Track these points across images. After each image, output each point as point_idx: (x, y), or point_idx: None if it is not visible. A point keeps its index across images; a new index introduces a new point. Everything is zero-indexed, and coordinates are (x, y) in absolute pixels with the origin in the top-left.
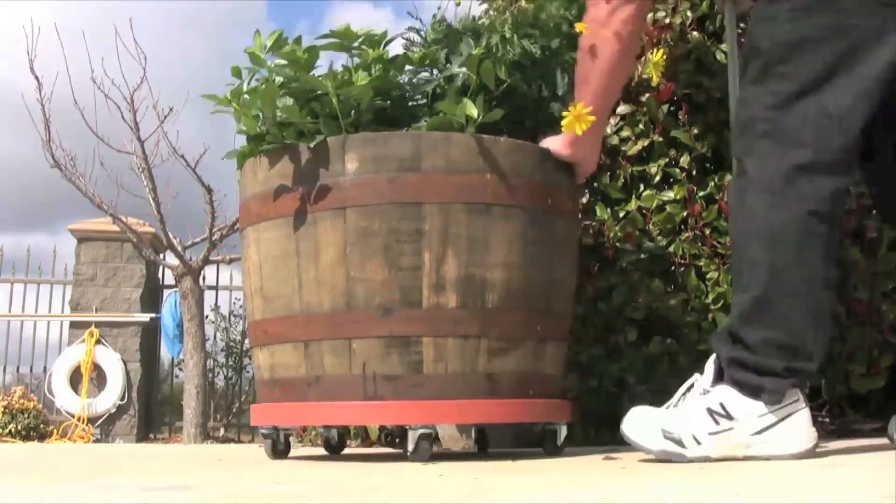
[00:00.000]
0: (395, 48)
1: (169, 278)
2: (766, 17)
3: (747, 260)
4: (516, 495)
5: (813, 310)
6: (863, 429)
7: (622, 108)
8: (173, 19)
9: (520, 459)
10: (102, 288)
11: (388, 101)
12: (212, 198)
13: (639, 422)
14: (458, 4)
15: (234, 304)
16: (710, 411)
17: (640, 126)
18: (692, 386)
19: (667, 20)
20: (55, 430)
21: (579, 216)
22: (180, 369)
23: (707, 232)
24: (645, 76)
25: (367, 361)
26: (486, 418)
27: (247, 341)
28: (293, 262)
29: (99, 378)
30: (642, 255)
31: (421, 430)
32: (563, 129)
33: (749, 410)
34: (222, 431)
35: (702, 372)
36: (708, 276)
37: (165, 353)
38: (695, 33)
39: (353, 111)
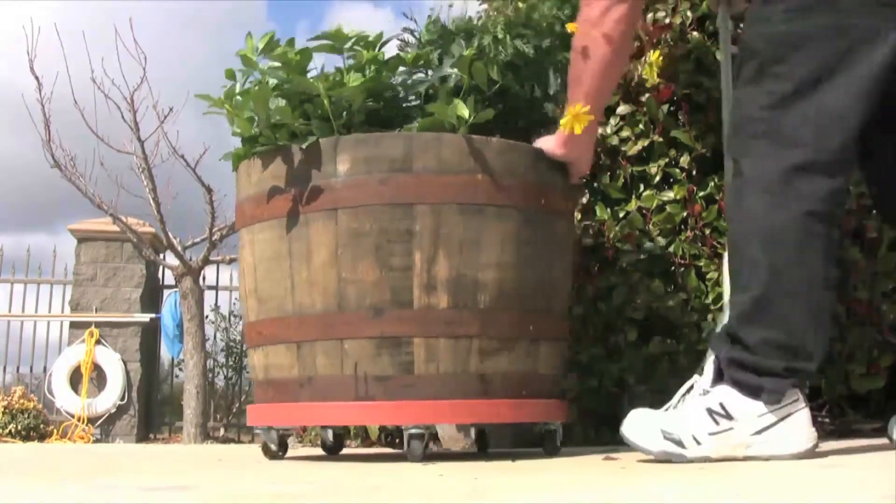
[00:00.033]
0: (393, 49)
1: (169, 278)
2: (760, 17)
3: (747, 260)
4: (516, 495)
5: (813, 310)
6: (863, 429)
7: (622, 108)
8: (173, 19)
9: (520, 459)
10: (102, 288)
11: (381, 103)
12: (212, 198)
13: (639, 423)
14: (450, 6)
15: (234, 304)
16: (710, 411)
17: (640, 126)
18: (691, 387)
19: (667, 20)
20: (55, 430)
21: (575, 216)
22: (180, 369)
23: (707, 232)
24: (644, 76)
25: (358, 362)
26: (478, 419)
27: None
28: (286, 263)
29: (99, 378)
30: (642, 255)
31: (412, 430)
32: (561, 127)
33: (749, 410)
34: (222, 431)
35: (701, 372)
36: (708, 276)
37: (165, 353)
38: (695, 33)
39: (345, 112)
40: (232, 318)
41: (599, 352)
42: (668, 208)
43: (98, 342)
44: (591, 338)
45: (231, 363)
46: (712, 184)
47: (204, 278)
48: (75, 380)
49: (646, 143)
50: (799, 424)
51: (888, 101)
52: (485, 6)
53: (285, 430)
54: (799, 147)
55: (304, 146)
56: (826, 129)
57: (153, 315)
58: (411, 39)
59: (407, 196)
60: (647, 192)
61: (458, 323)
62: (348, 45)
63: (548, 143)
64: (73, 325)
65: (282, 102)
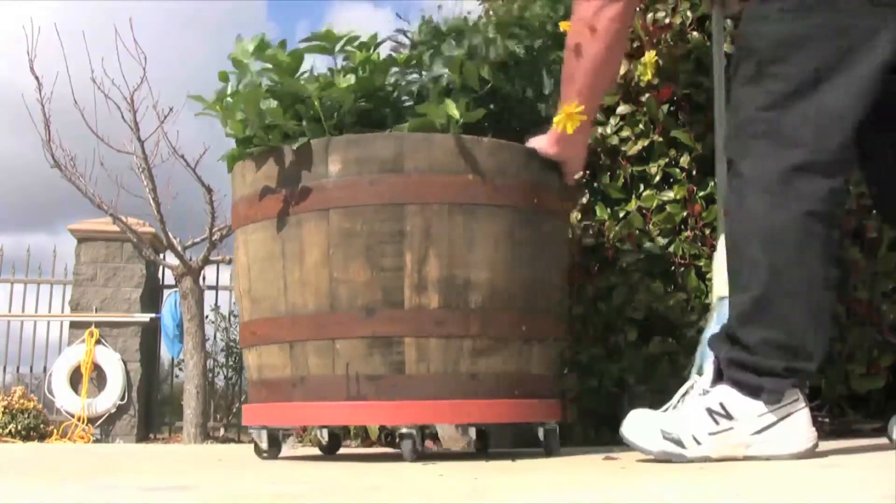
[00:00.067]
0: (390, 50)
1: (169, 278)
2: (757, 16)
3: (747, 260)
4: (516, 495)
5: (813, 310)
6: (863, 429)
7: (622, 108)
8: (173, 19)
9: (520, 459)
10: (102, 288)
11: (373, 104)
12: (212, 198)
13: (638, 423)
14: (439, 7)
15: (234, 304)
16: (710, 411)
17: (640, 126)
18: (691, 387)
19: (667, 20)
20: (55, 430)
21: (571, 215)
22: (180, 369)
23: (707, 232)
24: (639, 76)
25: (350, 362)
26: (469, 418)
27: None
28: (279, 263)
29: (99, 378)
30: (642, 256)
31: (404, 430)
32: (554, 126)
33: (749, 410)
34: (222, 431)
35: (700, 372)
36: (708, 276)
37: (165, 353)
38: (695, 33)
39: (336, 114)
40: (232, 318)
41: (599, 352)
42: (668, 208)
43: (98, 342)
44: (591, 338)
45: (231, 363)
46: (712, 184)
47: (204, 278)
48: (75, 380)
49: (646, 143)
50: (799, 424)
51: (886, 101)
52: (485, 5)
53: (276, 430)
54: (799, 147)
55: (295, 147)
56: (826, 129)
57: (153, 315)
58: (405, 40)
59: (397, 196)
60: (647, 192)
61: (449, 323)
62: (339, 45)
63: (541, 143)
64: (73, 325)
65: (273, 104)
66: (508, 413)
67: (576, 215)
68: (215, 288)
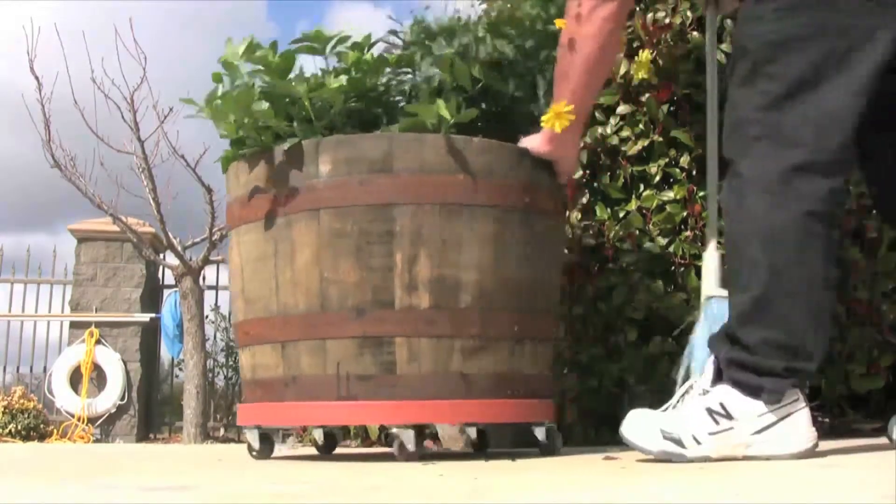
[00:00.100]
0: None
1: (169, 278)
2: (752, 16)
3: (747, 260)
4: (516, 495)
5: (813, 310)
6: (863, 429)
7: (622, 108)
8: (173, 19)
9: (519, 459)
10: (102, 288)
11: (365, 104)
12: (212, 198)
13: (638, 423)
14: (427, 7)
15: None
16: (710, 411)
17: (640, 126)
18: (691, 387)
19: (667, 20)
20: (55, 430)
21: (564, 214)
22: (180, 369)
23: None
24: (643, 76)
25: (340, 362)
26: (460, 418)
27: None
28: (271, 263)
29: (99, 378)
30: (642, 255)
31: (394, 430)
32: (542, 125)
33: (749, 410)
34: (222, 431)
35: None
36: None
37: (165, 353)
38: (695, 33)
39: (327, 114)
40: (232, 318)
41: (599, 352)
42: (668, 208)
43: (98, 342)
44: (591, 338)
45: (231, 363)
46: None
47: (204, 278)
48: (75, 380)
49: (646, 143)
50: (799, 424)
51: (884, 101)
52: (484, 6)
53: (268, 430)
54: (798, 147)
55: (286, 148)
56: (825, 129)
57: (153, 315)
58: (397, 41)
59: (387, 197)
60: (647, 192)
61: (439, 323)
62: (330, 46)
63: (533, 142)
64: (73, 325)
65: (264, 105)
66: (501, 413)
67: (576, 215)
68: (215, 288)
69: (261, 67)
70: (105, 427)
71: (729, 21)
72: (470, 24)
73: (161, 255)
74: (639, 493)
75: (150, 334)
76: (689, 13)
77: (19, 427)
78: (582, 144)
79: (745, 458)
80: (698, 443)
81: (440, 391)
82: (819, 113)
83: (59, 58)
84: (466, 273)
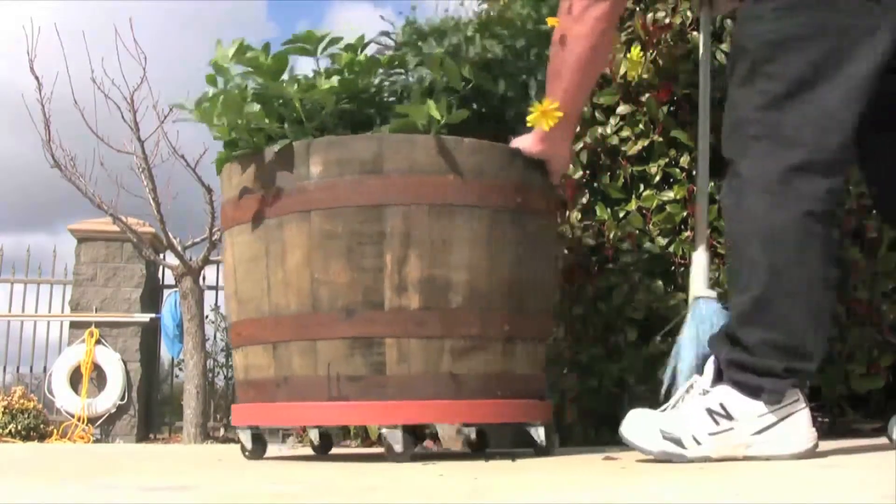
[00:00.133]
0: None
1: (169, 278)
2: (751, 16)
3: (746, 260)
4: (516, 495)
5: (813, 310)
6: (863, 429)
7: (622, 108)
8: (173, 19)
9: (519, 459)
10: (102, 288)
11: (357, 105)
12: (212, 198)
13: (638, 424)
14: (414, 8)
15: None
16: (710, 411)
17: (640, 126)
18: (691, 387)
19: (667, 20)
20: (55, 430)
21: (558, 214)
22: (180, 369)
23: (707, 232)
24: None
25: (331, 362)
26: (450, 419)
27: None
28: (262, 264)
29: (99, 378)
30: (642, 256)
31: (384, 430)
32: (528, 124)
33: (749, 410)
34: (222, 431)
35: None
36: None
37: (165, 353)
38: (695, 33)
39: (318, 115)
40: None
41: (599, 352)
42: (668, 208)
43: (98, 342)
44: (591, 338)
45: (231, 363)
46: (712, 184)
47: (204, 278)
48: (75, 380)
49: (646, 143)
50: (799, 424)
51: (884, 101)
52: (485, 5)
53: (260, 430)
54: (798, 147)
55: (276, 149)
56: (825, 128)
57: (153, 315)
58: (389, 42)
59: (377, 197)
60: (647, 192)
61: (429, 323)
62: (322, 47)
63: (525, 142)
64: (73, 325)
65: (256, 107)
66: (492, 413)
67: (576, 215)
68: (215, 288)
69: (251, 69)
70: (105, 427)
71: (729, 21)
72: (460, 24)
73: (161, 255)
74: (639, 493)
75: (150, 334)
76: (689, 13)
77: (19, 427)
78: (582, 144)
79: (746, 458)
80: (698, 443)
81: (430, 392)
82: (819, 113)
83: (59, 58)
84: (457, 273)
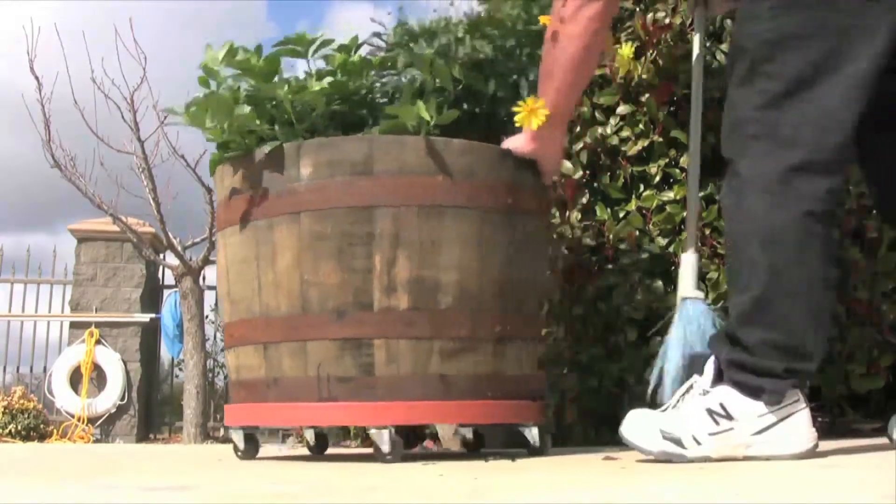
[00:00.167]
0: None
1: (169, 278)
2: (749, 15)
3: (746, 260)
4: (516, 495)
5: (813, 310)
6: (863, 429)
7: (622, 108)
8: (173, 19)
9: (519, 459)
10: (102, 288)
11: (348, 106)
12: (211, 198)
13: (637, 424)
14: (400, 7)
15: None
16: (710, 412)
17: (640, 126)
18: (691, 387)
19: (667, 20)
20: (55, 431)
21: (549, 214)
22: (180, 369)
23: (707, 232)
24: (644, 76)
25: (321, 363)
26: (439, 419)
27: None
28: (253, 266)
29: (99, 378)
30: (642, 256)
31: (373, 431)
32: (516, 123)
33: (749, 411)
34: (222, 431)
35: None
36: (708, 276)
37: (165, 353)
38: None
39: (309, 117)
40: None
41: (599, 352)
42: (668, 208)
43: (98, 342)
44: (591, 338)
45: None
46: (712, 184)
47: (204, 278)
48: (75, 380)
49: (646, 143)
50: (799, 425)
51: (884, 101)
52: (475, 5)
53: (252, 430)
54: (798, 147)
55: (267, 151)
56: (825, 128)
57: (153, 315)
58: (381, 43)
59: (367, 199)
60: (647, 192)
61: (418, 324)
62: (313, 49)
63: (516, 142)
64: (73, 325)
65: (246, 109)
66: (482, 414)
67: (576, 215)
68: (215, 288)
69: (240, 72)
70: (105, 427)
71: (729, 21)
72: (451, 24)
73: (161, 255)
74: (639, 493)
75: (150, 334)
76: (689, 13)
77: (19, 427)
78: (582, 144)
79: (746, 458)
80: (698, 443)
81: (419, 393)
82: (818, 112)
83: (59, 58)
84: (446, 274)
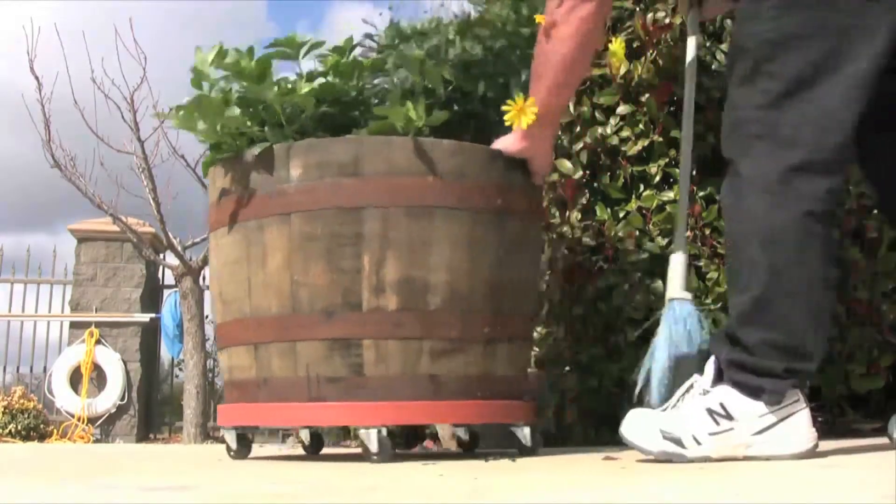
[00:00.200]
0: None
1: (169, 278)
2: (750, 15)
3: (746, 260)
4: (516, 495)
5: (813, 310)
6: (863, 429)
7: (622, 108)
8: (173, 19)
9: (519, 459)
10: (102, 288)
11: (339, 108)
12: None
13: (638, 423)
14: (390, 7)
15: None
16: (710, 411)
17: (640, 126)
18: (691, 387)
19: (667, 20)
20: (55, 430)
21: (541, 214)
22: (180, 369)
23: (707, 232)
24: (644, 76)
25: (310, 363)
26: (429, 419)
27: None
28: (244, 266)
29: (99, 378)
30: (642, 255)
31: (362, 431)
32: (505, 122)
33: (749, 411)
34: (222, 431)
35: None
36: (708, 276)
37: (165, 353)
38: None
39: (298, 118)
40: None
41: (599, 352)
42: (668, 208)
43: (98, 342)
44: (591, 338)
45: None
46: (710, 188)
47: (204, 278)
48: (75, 380)
49: (646, 143)
50: (799, 425)
51: (884, 101)
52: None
53: (245, 430)
54: (798, 147)
55: (256, 153)
56: (825, 128)
57: (153, 315)
58: (372, 44)
59: (355, 199)
60: (647, 192)
61: (407, 325)
62: (304, 51)
63: (506, 141)
64: (73, 325)
65: (236, 111)
66: (472, 414)
67: (576, 215)
68: None
69: (231, 73)
70: (105, 427)
71: (729, 21)
72: (441, 25)
73: (161, 255)
74: (639, 493)
75: (150, 334)
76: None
77: (19, 427)
78: (582, 144)
79: (746, 458)
80: (698, 443)
81: (408, 393)
82: (818, 112)
83: (59, 58)
84: (435, 275)
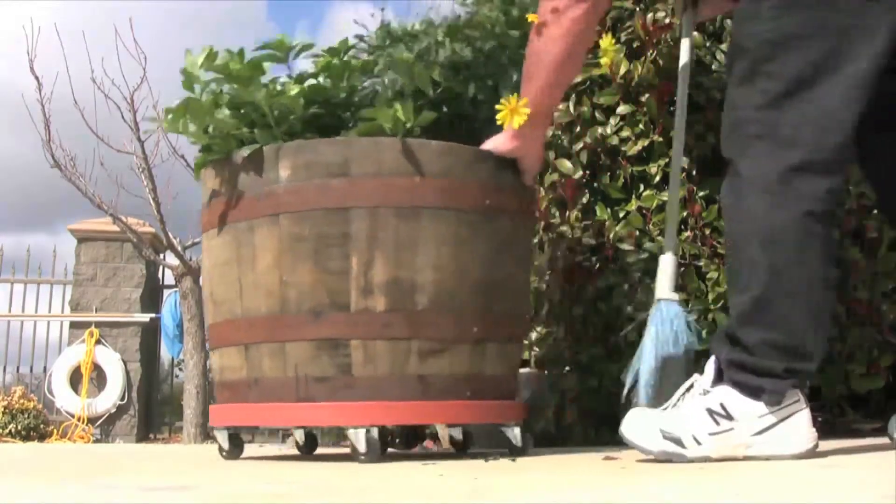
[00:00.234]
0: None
1: (169, 278)
2: (749, 15)
3: (746, 260)
4: (516, 495)
5: (813, 310)
6: (863, 429)
7: (622, 108)
8: (173, 19)
9: (520, 459)
10: (102, 288)
11: (328, 109)
12: None
13: (638, 423)
14: (382, 9)
15: None
16: (710, 412)
17: (640, 126)
18: (691, 387)
19: (667, 20)
20: (55, 430)
21: (531, 213)
22: (180, 369)
23: (707, 232)
24: (645, 76)
25: (298, 364)
26: (417, 419)
27: None
28: (235, 267)
29: (99, 378)
30: (642, 255)
31: (350, 431)
32: (497, 122)
33: (749, 411)
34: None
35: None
36: (708, 276)
37: (165, 353)
38: (695, 33)
39: (287, 120)
40: None
41: (599, 352)
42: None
43: (98, 342)
44: (591, 338)
45: None
46: (709, 190)
47: None
48: (75, 380)
49: (646, 143)
50: (799, 425)
51: (884, 101)
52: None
53: (236, 430)
54: (798, 147)
55: (246, 154)
56: (824, 128)
57: (153, 315)
58: (364, 46)
59: (343, 200)
60: (647, 192)
61: (395, 325)
62: (293, 53)
63: (497, 141)
64: (73, 325)
65: (226, 112)
66: (461, 414)
67: (576, 215)
68: None
69: (221, 76)
70: (105, 427)
71: (728, 21)
72: (431, 27)
73: (161, 255)
74: (639, 493)
75: (150, 334)
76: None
77: (19, 427)
78: (582, 144)
79: (746, 458)
80: (698, 443)
81: (397, 393)
82: (818, 112)
83: (59, 58)
84: (423, 275)
